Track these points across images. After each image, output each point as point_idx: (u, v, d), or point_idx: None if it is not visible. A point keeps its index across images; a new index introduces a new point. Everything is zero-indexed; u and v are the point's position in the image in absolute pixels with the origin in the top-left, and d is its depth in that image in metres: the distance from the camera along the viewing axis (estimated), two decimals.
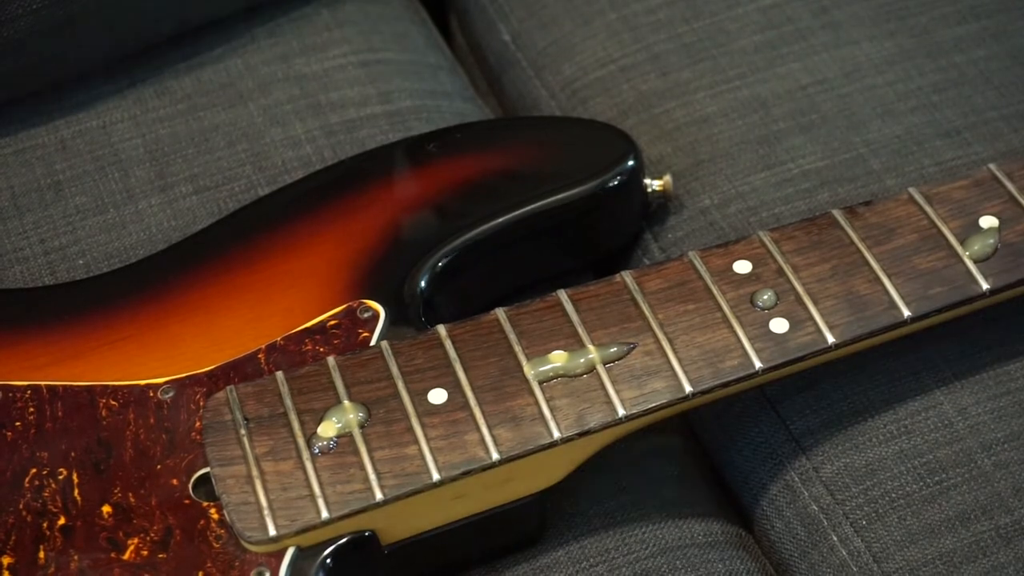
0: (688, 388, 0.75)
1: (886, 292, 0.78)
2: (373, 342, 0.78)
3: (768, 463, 0.84)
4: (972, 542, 0.78)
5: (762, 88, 0.98)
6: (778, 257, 0.79)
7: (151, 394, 0.77)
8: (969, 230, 0.80)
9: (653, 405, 0.75)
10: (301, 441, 0.73)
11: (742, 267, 0.79)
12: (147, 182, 0.94)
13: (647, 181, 0.90)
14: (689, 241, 0.92)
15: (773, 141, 0.95)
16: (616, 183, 0.87)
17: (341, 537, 0.71)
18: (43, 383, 0.77)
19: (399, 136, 0.96)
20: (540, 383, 0.75)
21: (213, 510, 0.72)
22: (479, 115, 1.02)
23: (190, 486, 0.73)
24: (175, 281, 0.83)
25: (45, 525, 0.72)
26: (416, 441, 0.73)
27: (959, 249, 0.79)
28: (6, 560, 0.71)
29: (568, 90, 1.01)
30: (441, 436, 0.73)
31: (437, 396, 0.74)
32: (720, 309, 0.77)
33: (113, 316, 0.81)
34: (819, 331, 0.77)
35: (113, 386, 0.77)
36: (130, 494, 0.73)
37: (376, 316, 0.79)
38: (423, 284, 0.81)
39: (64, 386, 0.77)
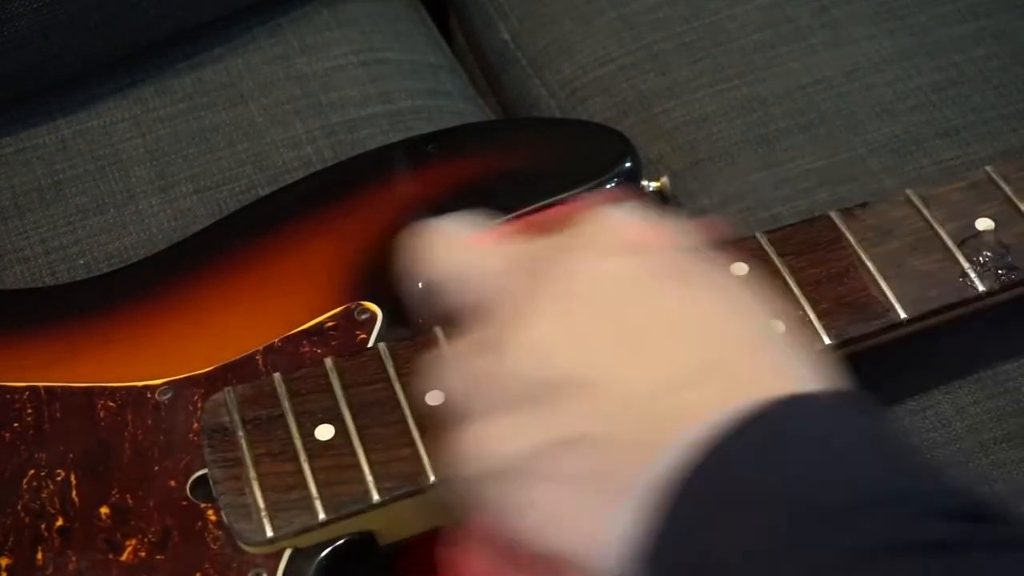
0: None
1: (883, 294, 0.78)
2: (371, 344, 0.78)
3: None
4: None
5: (761, 87, 0.98)
6: (775, 258, 0.79)
7: (149, 395, 0.77)
8: (965, 232, 0.81)
9: None
10: (299, 442, 0.73)
11: (739, 269, 0.79)
12: (147, 182, 0.94)
13: (644, 183, 0.90)
14: None
15: (772, 141, 0.95)
16: (613, 185, 0.87)
17: (339, 538, 0.71)
18: (41, 384, 0.77)
19: (399, 136, 0.96)
20: None
21: (211, 511, 0.72)
22: (479, 115, 1.03)
23: (188, 487, 0.73)
24: (173, 282, 0.83)
25: (43, 526, 0.72)
26: (413, 443, 0.73)
27: (955, 251, 0.80)
28: (4, 561, 0.71)
29: (567, 89, 1.02)
30: (438, 438, 0.73)
31: (434, 398, 0.74)
32: None
33: (112, 317, 0.82)
34: (816, 333, 0.77)
35: (111, 387, 0.77)
36: (128, 495, 0.73)
37: (374, 318, 0.79)
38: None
39: (62, 387, 0.77)
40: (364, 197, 0.87)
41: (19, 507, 0.73)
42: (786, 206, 0.92)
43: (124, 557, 0.71)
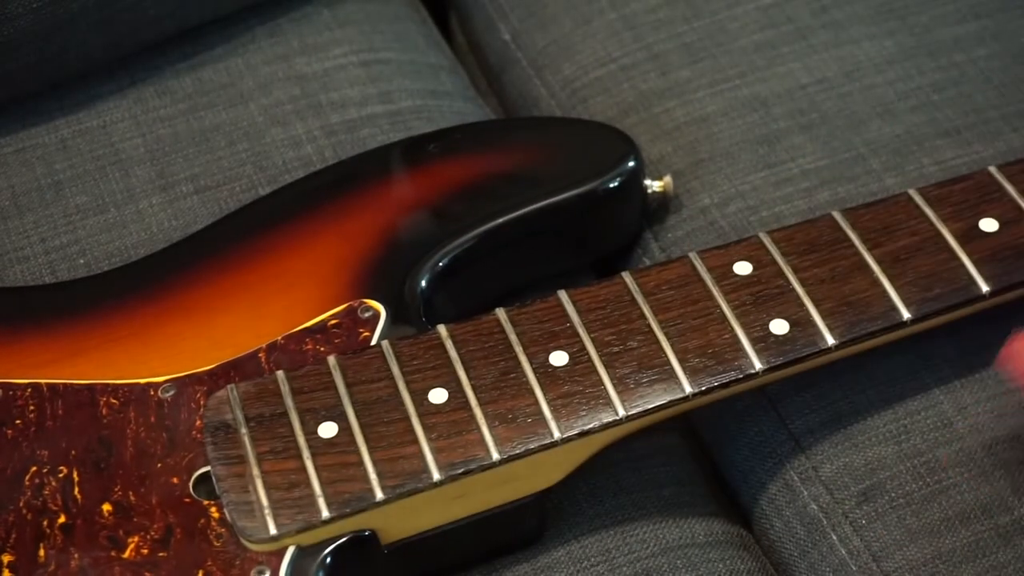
0: (688, 389, 0.75)
1: (886, 294, 0.78)
2: (374, 341, 0.78)
3: (768, 462, 0.84)
4: (972, 541, 0.79)
5: (762, 87, 0.98)
6: (778, 258, 0.80)
7: (152, 393, 0.77)
8: (969, 232, 0.81)
9: (653, 405, 0.75)
10: (302, 440, 0.73)
11: (742, 268, 0.79)
12: (148, 182, 0.94)
13: (647, 182, 0.90)
14: (689, 240, 0.92)
15: (773, 140, 0.95)
16: (616, 184, 0.87)
17: (341, 536, 0.71)
18: (44, 381, 0.77)
19: (400, 136, 0.96)
20: (540, 383, 0.75)
21: (214, 509, 0.72)
22: (479, 115, 1.02)
23: (191, 485, 0.73)
24: (176, 280, 0.83)
25: (45, 523, 0.72)
26: (416, 440, 0.73)
27: (959, 251, 0.80)
28: (7, 558, 0.71)
29: (568, 89, 1.02)
30: (441, 436, 0.73)
31: (438, 396, 0.74)
32: (720, 310, 0.77)
33: (114, 314, 0.82)
34: (819, 332, 0.77)
35: (114, 384, 0.77)
36: (130, 492, 0.73)
37: (377, 315, 0.79)
38: (424, 284, 0.81)
39: (65, 384, 0.77)
40: (367, 196, 0.86)
41: (21, 504, 0.73)
42: (787, 205, 0.92)
43: (126, 554, 0.71)
